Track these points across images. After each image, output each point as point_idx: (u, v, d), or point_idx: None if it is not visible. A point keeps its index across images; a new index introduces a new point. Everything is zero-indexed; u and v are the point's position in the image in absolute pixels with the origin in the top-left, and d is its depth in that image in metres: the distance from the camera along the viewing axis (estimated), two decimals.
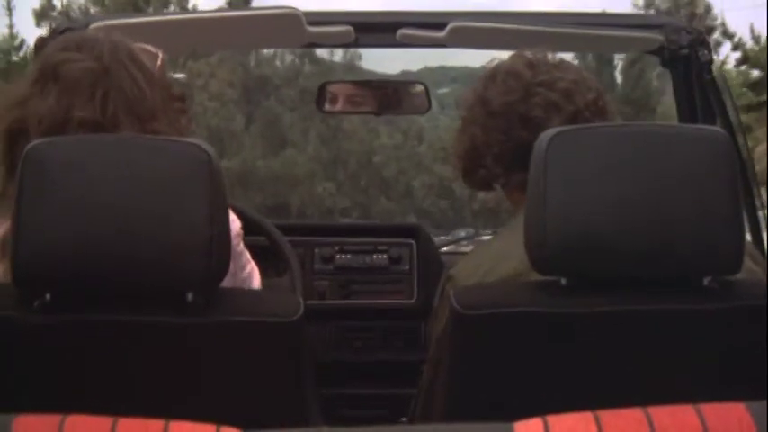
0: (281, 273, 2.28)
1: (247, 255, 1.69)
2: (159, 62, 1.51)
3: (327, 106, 2.55)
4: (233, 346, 1.27)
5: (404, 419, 1.65)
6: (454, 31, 2.12)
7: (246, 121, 23.79)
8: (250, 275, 1.70)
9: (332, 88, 2.59)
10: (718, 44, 17.97)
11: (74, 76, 1.44)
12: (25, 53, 18.37)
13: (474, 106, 1.58)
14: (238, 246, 1.63)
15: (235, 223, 1.60)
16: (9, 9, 19.76)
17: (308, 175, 24.12)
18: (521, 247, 1.32)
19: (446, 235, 4.70)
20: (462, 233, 4.65)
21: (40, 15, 20.56)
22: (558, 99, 1.52)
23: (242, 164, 21.77)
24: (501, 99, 1.54)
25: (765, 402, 0.91)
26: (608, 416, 0.90)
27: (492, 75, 1.58)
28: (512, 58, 1.60)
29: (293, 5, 2.13)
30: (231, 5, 19.02)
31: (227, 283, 1.29)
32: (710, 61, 2.19)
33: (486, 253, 1.49)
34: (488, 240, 1.62)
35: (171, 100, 1.50)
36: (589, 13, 2.36)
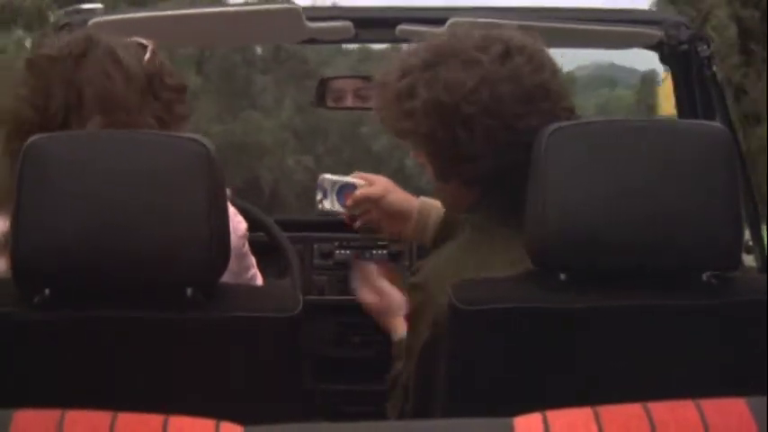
0: (281, 269, 2.28)
1: (252, 259, 1.69)
2: (148, 54, 1.50)
3: (328, 102, 2.54)
4: (232, 341, 1.27)
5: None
6: (454, 26, 2.12)
7: (204, 81, 20.38)
8: (254, 278, 1.69)
9: (332, 84, 2.58)
10: None
11: (46, 70, 1.46)
12: None
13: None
14: (244, 247, 1.63)
15: (242, 224, 1.60)
16: None
17: (277, 145, 21.39)
18: (507, 252, 1.34)
19: None
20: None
21: None
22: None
23: (193, 130, 19.31)
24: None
25: (765, 398, 0.91)
26: (607, 411, 0.90)
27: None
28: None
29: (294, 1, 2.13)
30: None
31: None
32: (710, 57, 2.19)
33: (464, 260, 1.41)
34: (459, 242, 1.48)
35: (163, 91, 1.49)
36: (588, 8, 2.35)
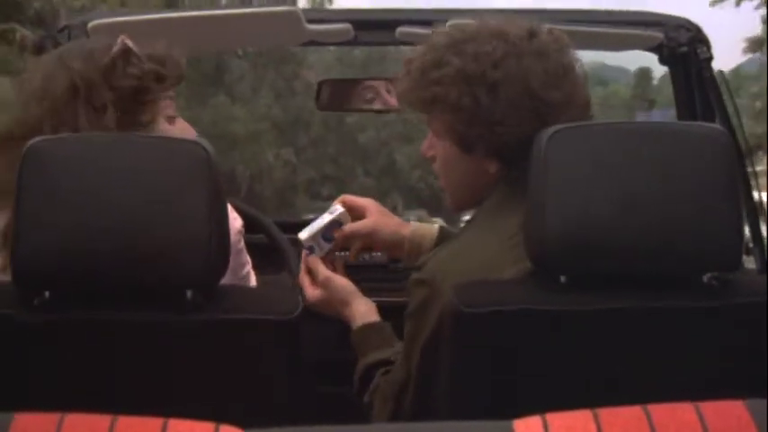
0: (280, 271, 2.28)
1: (247, 257, 1.69)
2: (114, 52, 1.51)
3: (326, 105, 2.54)
4: (232, 343, 1.27)
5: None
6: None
7: None
8: (249, 275, 1.70)
9: (330, 85, 2.58)
10: None
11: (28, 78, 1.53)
12: None
13: None
14: (239, 243, 1.63)
15: (236, 221, 1.60)
16: None
17: (252, 136, 19.36)
18: (512, 250, 1.33)
19: (438, 215, 4.64)
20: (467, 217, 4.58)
21: None
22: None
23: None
24: None
25: (764, 400, 0.91)
26: (607, 414, 0.90)
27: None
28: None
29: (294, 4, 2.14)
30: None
31: (227, 279, 1.30)
32: (710, 58, 2.19)
33: (470, 258, 1.41)
34: (466, 236, 1.51)
35: (130, 92, 1.50)
36: (588, 10, 2.35)
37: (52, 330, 1.23)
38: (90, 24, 2.05)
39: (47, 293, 1.21)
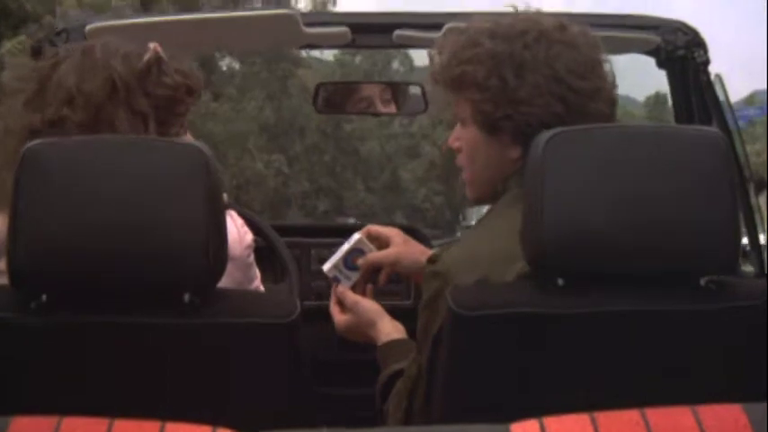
0: (279, 275, 2.28)
1: (257, 271, 1.69)
2: (148, 58, 1.49)
3: (324, 107, 2.55)
4: (230, 346, 1.27)
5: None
6: (451, 32, 2.12)
7: None
8: (257, 290, 1.69)
9: (328, 89, 2.59)
10: None
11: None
12: None
13: None
14: (249, 257, 1.62)
15: (248, 235, 1.60)
16: None
17: (234, 138, 17.53)
18: (518, 245, 1.32)
19: (445, 237, 4.67)
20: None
21: None
22: None
23: None
24: None
25: (762, 404, 0.91)
26: (604, 417, 0.91)
27: None
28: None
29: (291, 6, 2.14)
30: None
31: None
32: (707, 61, 2.19)
33: (481, 249, 1.43)
34: (480, 229, 1.53)
35: (165, 102, 1.49)
36: (586, 13, 2.35)
37: (50, 333, 1.23)
38: (88, 27, 2.05)
39: (44, 296, 1.20)
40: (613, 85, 1.50)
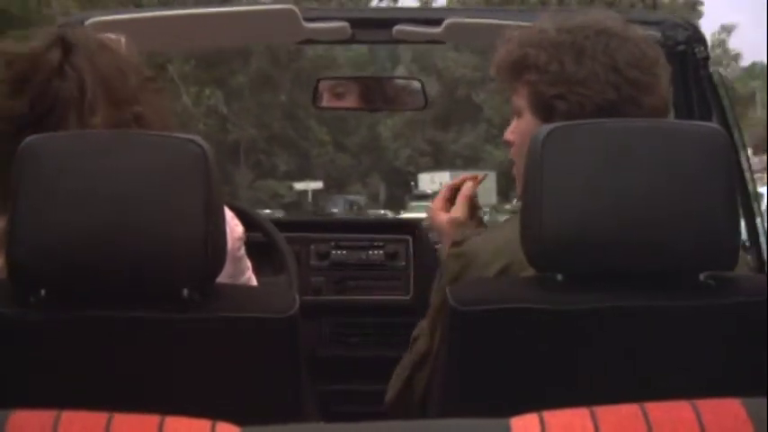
0: (277, 270, 2.28)
1: (248, 262, 1.69)
2: (123, 46, 1.49)
3: (323, 102, 2.55)
4: (229, 341, 1.27)
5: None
6: (450, 27, 2.13)
7: None
8: (249, 282, 1.69)
9: (327, 84, 2.59)
10: None
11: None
12: None
13: None
14: (239, 250, 1.62)
15: (238, 227, 1.60)
16: None
17: (154, 62, 15.02)
18: (514, 242, 1.33)
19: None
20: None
21: None
22: None
23: None
24: None
25: (762, 399, 0.91)
26: (604, 411, 0.90)
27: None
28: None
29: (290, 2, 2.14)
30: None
31: None
32: (707, 57, 2.20)
33: (507, 238, 1.43)
34: (512, 220, 1.52)
35: (146, 82, 1.48)
36: (587, 9, 2.35)
37: (48, 328, 1.23)
38: (88, 22, 2.05)
39: (43, 291, 1.20)
40: (669, 84, 1.52)
